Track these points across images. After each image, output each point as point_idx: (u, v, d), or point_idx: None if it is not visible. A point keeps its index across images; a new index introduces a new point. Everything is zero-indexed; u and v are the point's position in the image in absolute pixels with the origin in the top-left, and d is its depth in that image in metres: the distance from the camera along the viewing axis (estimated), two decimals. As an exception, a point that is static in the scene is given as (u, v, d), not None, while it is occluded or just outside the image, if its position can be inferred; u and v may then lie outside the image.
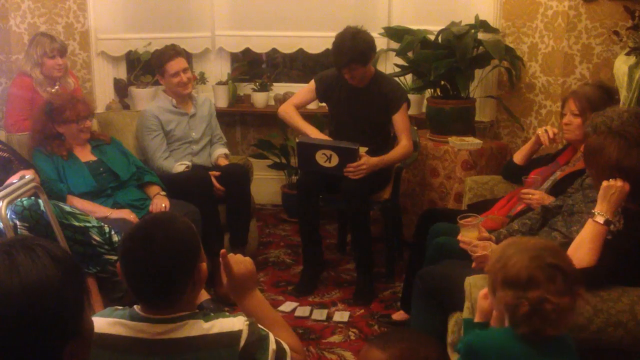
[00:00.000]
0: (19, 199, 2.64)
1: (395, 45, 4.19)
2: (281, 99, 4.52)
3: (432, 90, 4.09)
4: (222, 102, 4.63)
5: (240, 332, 1.52)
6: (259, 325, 1.57)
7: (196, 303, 1.63)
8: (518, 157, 3.17)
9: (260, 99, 4.67)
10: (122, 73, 4.58)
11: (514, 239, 1.75)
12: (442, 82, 3.95)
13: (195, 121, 3.78)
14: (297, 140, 3.50)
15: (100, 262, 2.82)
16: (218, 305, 2.30)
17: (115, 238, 2.86)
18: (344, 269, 3.85)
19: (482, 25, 3.97)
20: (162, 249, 1.49)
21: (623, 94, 3.14)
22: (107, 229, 2.86)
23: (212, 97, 4.45)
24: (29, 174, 2.75)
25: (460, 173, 3.70)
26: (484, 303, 1.80)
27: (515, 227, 2.58)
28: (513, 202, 2.93)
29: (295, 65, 5.22)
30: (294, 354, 1.64)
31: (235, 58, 4.87)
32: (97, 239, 2.81)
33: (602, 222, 2.09)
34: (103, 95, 4.44)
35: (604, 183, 2.12)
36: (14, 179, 2.76)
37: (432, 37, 3.98)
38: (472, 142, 3.78)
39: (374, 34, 3.56)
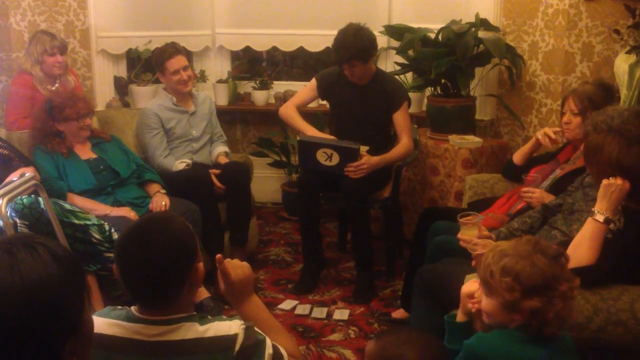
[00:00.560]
0: (19, 197, 2.64)
1: (395, 43, 4.20)
2: (281, 97, 4.52)
3: (432, 88, 4.09)
4: (223, 100, 4.63)
5: (235, 336, 1.50)
6: (256, 330, 1.55)
7: (195, 301, 1.62)
8: (517, 157, 3.17)
9: (260, 97, 4.67)
10: (122, 71, 4.58)
11: (493, 247, 1.69)
12: (443, 81, 3.95)
13: (195, 119, 3.78)
14: (298, 139, 3.50)
15: (101, 260, 2.83)
16: (218, 303, 2.29)
17: (115, 236, 2.85)
18: (344, 267, 3.85)
19: (483, 23, 3.98)
20: (158, 250, 1.48)
21: (623, 93, 3.14)
22: (107, 227, 2.87)
23: (212, 95, 4.44)
24: (29, 172, 2.75)
25: (460, 171, 3.70)
26: (467, 303, 1.77)
27: (515, 226, 2.57)
28: (513, 201, 2.92)
29: (296, 64, 5.22)
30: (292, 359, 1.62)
31: (235, 56, 4.88)
32: (97, 236, 2.81)
33: (602, 220, 2.09)
34: (103, 93, 4.44)
35: (604, 181, 2.11)
36: (14, 176, 2.75)
37: (432, 36, 3.97)
38: (473, 140, 3.78)
39: (375, 32, 3.56)
